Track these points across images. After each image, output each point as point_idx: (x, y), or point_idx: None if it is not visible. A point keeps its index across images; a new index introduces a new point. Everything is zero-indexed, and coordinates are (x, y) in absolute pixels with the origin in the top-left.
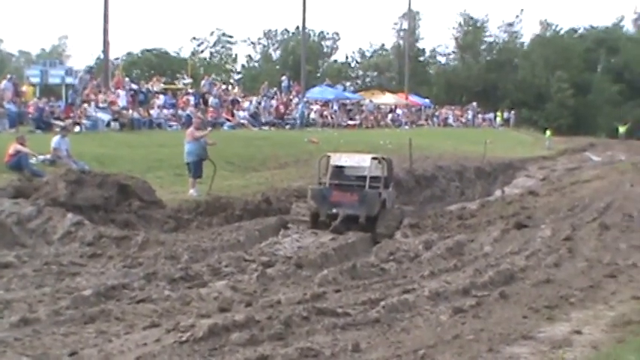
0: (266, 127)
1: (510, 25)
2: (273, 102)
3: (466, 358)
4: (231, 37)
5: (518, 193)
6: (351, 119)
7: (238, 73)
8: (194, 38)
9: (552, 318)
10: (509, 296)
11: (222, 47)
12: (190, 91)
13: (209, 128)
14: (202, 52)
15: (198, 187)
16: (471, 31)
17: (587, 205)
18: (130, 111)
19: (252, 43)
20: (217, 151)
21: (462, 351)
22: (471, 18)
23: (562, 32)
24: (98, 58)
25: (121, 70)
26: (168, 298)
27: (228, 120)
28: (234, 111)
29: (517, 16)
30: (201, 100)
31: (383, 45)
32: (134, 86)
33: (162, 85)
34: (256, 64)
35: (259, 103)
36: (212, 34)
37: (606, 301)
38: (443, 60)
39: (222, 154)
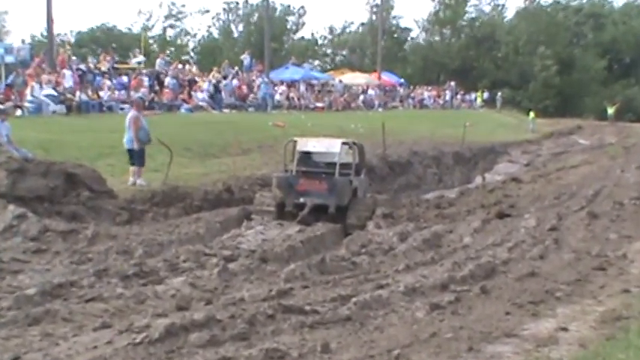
0: (227, 110)
1: None
2: (234, 82)
3: (444, 357)
4: (183, 6)
5: (500, 180)
6: (319, 101)
7: (194, 51)
8: (140, 12)
9: (537, 314)
10: (491, 291)
11: (176, 20)
12: (144, 71)
13: (138, 145)
14: (153, 26)
15: (145, 176)
16: (452, 4)
17: (575, 193)
18: (78, 93)
19: (207, 11)
20: (174, 137)
21: (440, 350)
22: None
23: (547, 5)
24: (40, 37)
25: (67, 48)
26: (120, 296)
27: (185, 102)
28: (192, 92)
29: None
30: (155, 81)
31: (352, 22)
32: (81, 66)
33: (112, 64)
34: (214, 38)
35: (219, 82)
36: (161, 5)
37: (595, 295)
38: (418, 35)
39: (179, 140)
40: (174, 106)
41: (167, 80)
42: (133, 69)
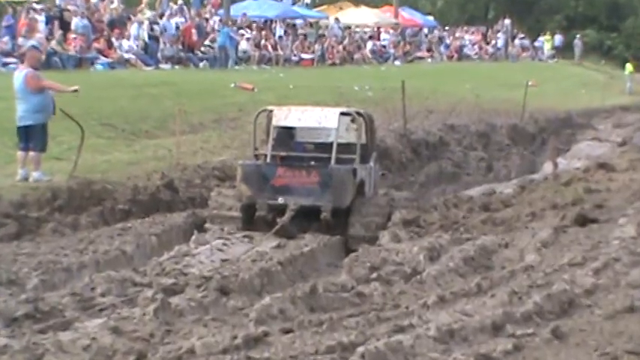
0: (166, 66)
1: None
2: (176, 20)
3: None
4: None
5: (582, 168)
6: (306, 51)
7: None
8: None
9: None
10: (569, 335)
11: None
12: (38, 6)
13: (73, 87)
14: None
15: (44, 166)
16: None
17: None
18: None
19: None
20: (87, 107)
21: None
22: None
23: None
24: None
25: None
26: (5, 349)
27: (102, 55)
28: (113, 39)
29: None
30: (57, 23)
31: None
32: None
33: None
34: None
35: (154, 25)
36: None
37: None
38: None
39: (94, 112)
40: (87, 59)
41: (75, 21)
42: (21, 3)
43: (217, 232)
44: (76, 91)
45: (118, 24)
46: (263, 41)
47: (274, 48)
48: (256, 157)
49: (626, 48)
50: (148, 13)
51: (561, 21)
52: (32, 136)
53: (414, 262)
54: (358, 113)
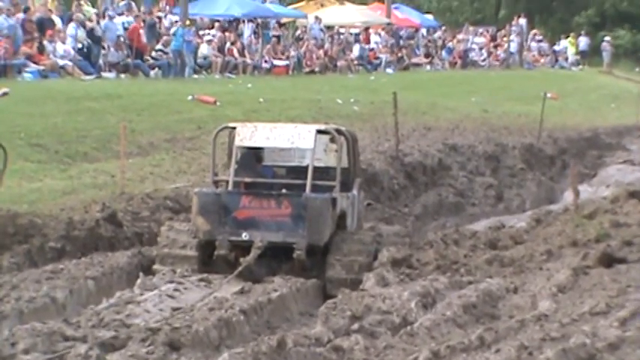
0: (110, 75)
1: None
2: (123, 20)
3: None
4: None
5: (609, 197)
6: (279, 57)
7: None
8: None
9: None
10: None
11: None
12: None
13: (2, 90)
14: None
15: None
16: None
17: None
18: None
19: None
20: (11, 124)
21: None
22: None
23: None
24: None
25: None
26: None
27: (32, 61)
28: (47, 43)
29: None
30: None
31: None
32: None
33: None
34: None
35: (94, 25)
36: None
37: None
38: None
39: (20, 129)
40: (13, 67)
41: None
42: None
43: (168, 274)
44: (5, 94)
45: (51, 24)
46: (228, 45)
47: (241, 53)
48: (216, 184)
49: None
50: (88, 12)
51: (587, 19)
52: None
53: (403, 310)
54: (338, 131)
